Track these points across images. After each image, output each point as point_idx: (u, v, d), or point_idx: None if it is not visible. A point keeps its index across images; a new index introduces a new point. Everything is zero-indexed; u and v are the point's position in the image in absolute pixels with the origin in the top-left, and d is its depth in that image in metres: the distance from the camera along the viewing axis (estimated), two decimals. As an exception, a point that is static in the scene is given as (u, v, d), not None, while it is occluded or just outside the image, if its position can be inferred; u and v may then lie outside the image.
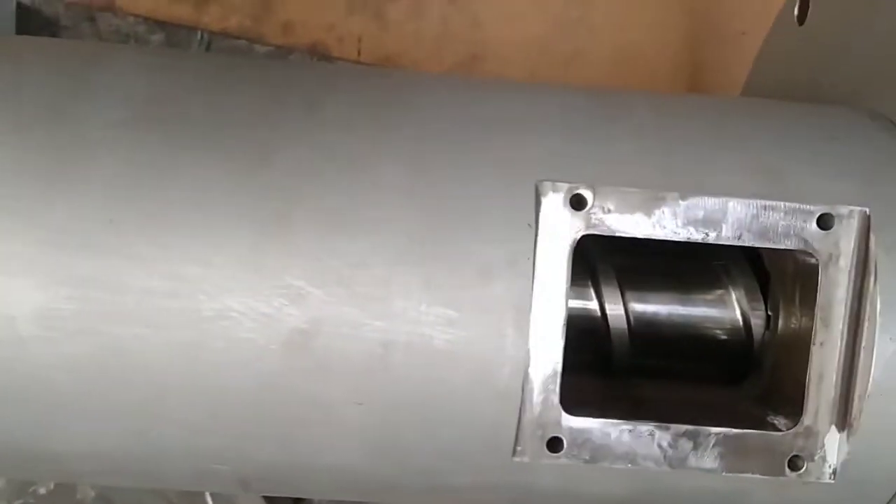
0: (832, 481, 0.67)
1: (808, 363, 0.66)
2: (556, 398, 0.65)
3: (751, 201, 0.65)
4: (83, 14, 1.45)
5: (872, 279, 0.64)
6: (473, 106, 0.69)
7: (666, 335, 0.78)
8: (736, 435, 0.67)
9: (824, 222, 0.65)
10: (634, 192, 0.65)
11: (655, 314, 0.77)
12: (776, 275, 0.74)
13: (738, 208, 0.65)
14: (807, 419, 0.67)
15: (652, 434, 0.67)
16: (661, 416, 0.68)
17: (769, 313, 0.75)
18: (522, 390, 0.64)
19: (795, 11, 0.91)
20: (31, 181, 0.63)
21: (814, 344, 0.66)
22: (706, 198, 0.65)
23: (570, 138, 0.67)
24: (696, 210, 0.65)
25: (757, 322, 0.76)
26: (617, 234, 0.65)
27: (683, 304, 0.78)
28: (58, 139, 0.64)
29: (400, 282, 0.63)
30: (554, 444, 0.66)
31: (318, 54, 1.44)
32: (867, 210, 0.65)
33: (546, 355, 0.65)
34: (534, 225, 0.64)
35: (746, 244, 0.66)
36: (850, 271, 0.65)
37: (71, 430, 0.67)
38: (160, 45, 1.44)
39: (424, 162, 0.66)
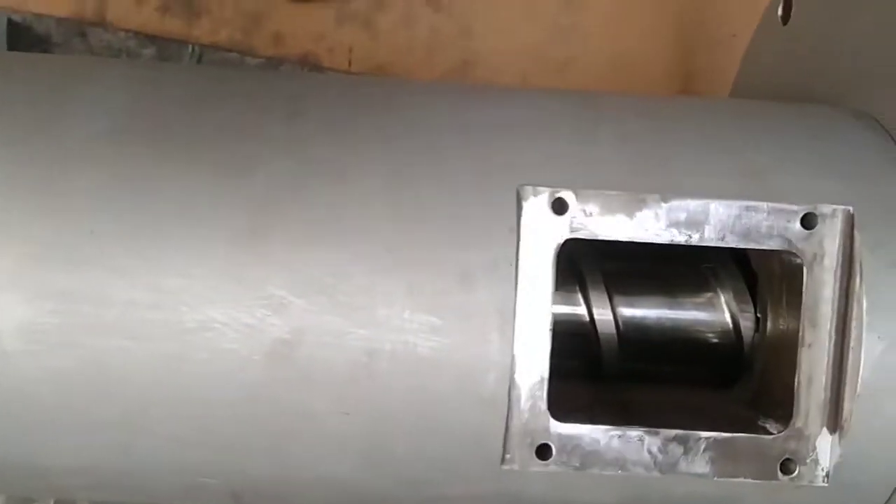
0: (825, 484, 0.66)
1: (796, 365, 0.65)
2: (543, 404, 0.65)
3: (733, 202, 0.65)
4: (74, 30, 1.45)
5: (858, 278, 0.64)
6: (454, 112, 0.69)
7: (655, 339, 0.77)
8: (726, 439, 0.66)
9: (808, 222, 0.65)
10: (616, 194, 0.65)
11: (644, 318, 0.77)
12: (764, 276, 0.74)
13: (721, 209, 0.65)
14: (797, 422, 0.66)
15: (641, 439, 0.66)
16: (651, 421, 0.67)
17: (758, 315, 0.74)
18: (509, 397, 0.64)
19: (779, 11, 0.91)
20: (14, 195, 0.63)
21: (802, 345, 0.65)
22: (688, 200, 0.65)
23: (551, 142, 0.67)
24: (679, 212, 0.65)
25: (746, 325, 0.75)
26: (600, 238, 0.65)
27: (672, 307, 0.77)
28: (39, 153, 0.64)
29: (382, 290, 0.63)
30: (543, 452, 0.66)
31: (309, 65, 1.44)
32: (851, 209, 0.65)
33: (532, 361, 0.64)
34: (515, 230, 0.64)
35: (730, 245, 0.65)
36: (835, 271, 0.65)
37: (58, 444, 0.66)
38: (151, 60, 1.44)
39: (405, 169, 0.65)
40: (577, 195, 0.65)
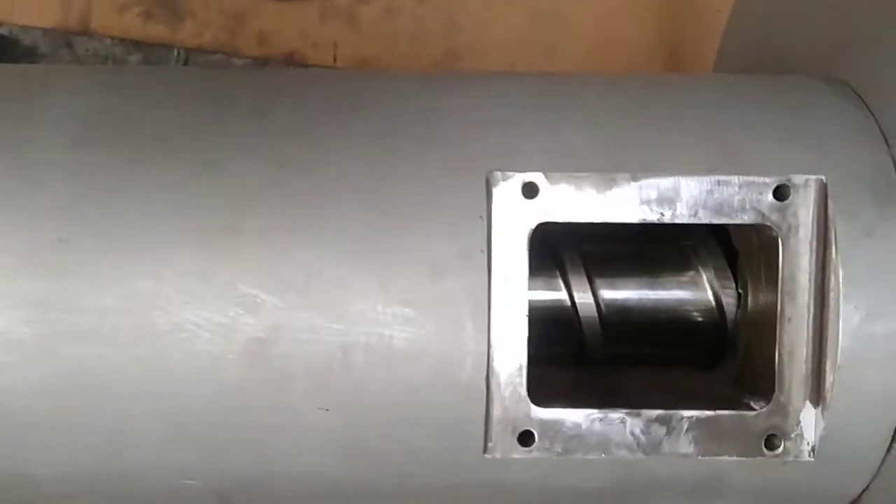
0: (811, 459, 0.66)
1: (776, 339, 0.65)
2: (523, 391, 0.65)
3: (704, 178, 0.64)
4: (61, 40, 1.45)
5: (833, 248, 0.63)
6: (420, 101, 0.68)
7: (638, 321, 0.76)
8: (709, 417, 0.66)
9: (780, 193, 0.64)
10: (586, 176, 0.64)
11: (626, 300, 0.76)
12: (744, 251, 0.73)
13: (692, 185, 0.64)
14: (780, 396, 0.65)
15: (623, 421, 0.66)
16: (636, 403, 0.67)
17: (739, 292, 0.74)
18: (487, 385, 0.64)
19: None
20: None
21: (781, 319, 0.65)
22: (658, 177, 0.64)
23: (518, 127, 0.67)
24: (650, 190, 0.64)
25: (729, 301, 0.74)
26: (572, 221, 0.65)
27: (654, 288, 0.77)
28: (5, 164, 0.64)
29: (354, 284, 0.62)
30: (525, 438, 0.65)
31: (295, 63, 1.44)
32: (824, 178, 0.64)
33: (510, 348, 0.64)
34: (486, 217, 0.63)
35: (703, 221, 0.65)
36: (810, 242, 0.64)
37: (41, 452, 0.66)
38: (141, 65, 1.44)
39: (373, 161, 0.65)
40: (547, 178, 0.65)
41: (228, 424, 0.64)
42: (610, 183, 0.64)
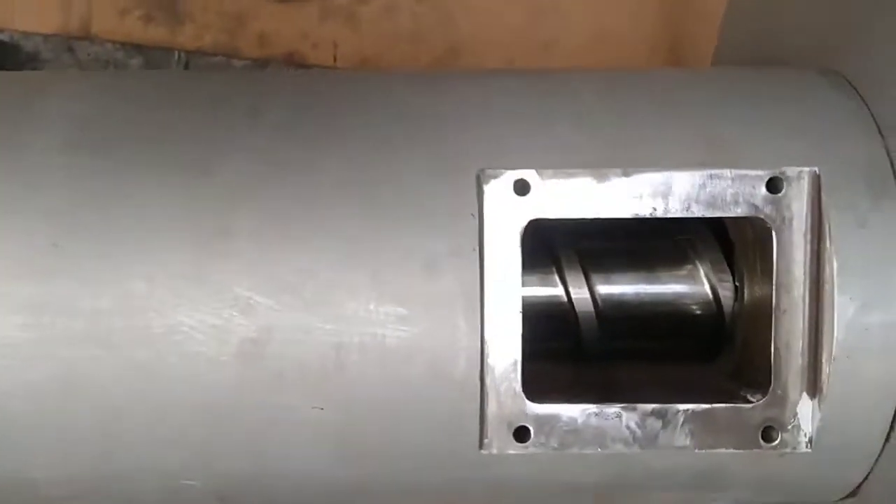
0: (809, 450, 0.65)
1: (772, 331, 0.65)
2: (518, 386, 0.65)
3: (696, 172, 0.64)
4: (62, 45, 1.46)
5: (827, 240, 0.63)
6: (411, 100, 0.68)
7: (636, 315, 0.76)
8: (705, 410, 0.66)
9: (774, 186, 0.64)
10: (578, 172, 0.64)
11: (623, 295, 0.76)
12: (740, 245, 0.73)
13: (684, 179, 0.64)
14: (777, 388, 0.65)
15: (619, 416, 0.66)
16: (632, 397, 0.67)
17: (736, 285, 0.73)
18: (482, 382, 0.64)
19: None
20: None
21: (776, 311, 0.65)
22: (650, 172, 0.64)
23: (509, 124, 0.67)
24: (642, 185, 0.64)
25: (726, 294, 0.74)
26: (564, 217, 0.64)
27: (651, 282, 0.76)
28: (1, 168, 0.65)
29: (347, 284, 0.63)
30: (521, 434, 0.65)
31: (295, 63, 1.44)
32: (817, 170, 0.64)
33: (504, 344, 0.64)
34: (477, 214, 0.63)
35: (695, 215, 0.64)
36: (805, 234, 0.64)
37: (42, 456, 0.67)
38: (139, 69, 1.45)
39: (365, 161, 0.65)
40: (539, 175, 0.65)
41: (224, 425, 0.64)
42: (602, 178, 0.64)
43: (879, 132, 0.67)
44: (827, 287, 0.63)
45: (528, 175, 0.64)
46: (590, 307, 0.75)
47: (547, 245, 0.75)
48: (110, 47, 1.46)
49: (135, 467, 0.66)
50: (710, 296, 0.75)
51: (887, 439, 0.65)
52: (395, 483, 0.68)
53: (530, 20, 1.43)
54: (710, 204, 0.64)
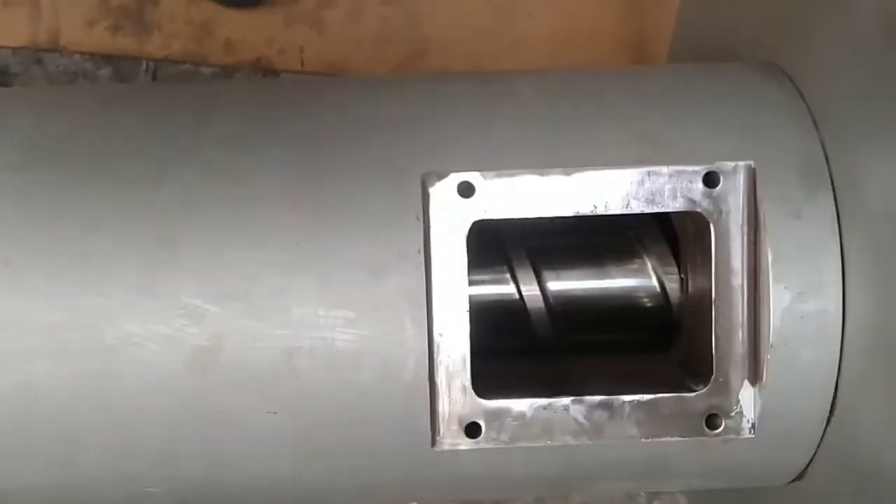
0: (752, 436, 0.67)
1: (713, 321, 0.66)
2: (468, 384, 0.66)
3: (634, 169, 0.65)
4: (31, 58, 1.47)
5: (763, 232, 0.65)
6: (355, 105, 0.70)
7: (587, 310, 0.78)
8: (650, 401, 0.67)
9: (710, 180, 0.66)
10: (520, 172, 0.66)
11: (573, 291, 0.78)
12: (684, 238, 0.74)
13: (623, 177, 0.65)
14: (719, 377, 0.67)
15: (567, 408, 0.67)
16: (583, 390, 0.68)
17: (682, 276, 0.75)
18: (431, 381, 0.65)
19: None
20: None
21: (716, 301, 0.66)
22: (590, 171, 0.66)
23: (453, 127, 0.68)
24: (582, 184, 0.66)
25: (673, 287, 0.76)
26: (509, 217, 0.66)
27: (600, 277, 0.78)
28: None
29: (294, 289, 0.64)
30: (472, 430, 0.67)
31: (263, 69, 1.45)
32: (752, 163, 0.65)
33: (452, 343, 0.65)
34: (422, 217, 0.65)
35: (635, 211, 0.66)
36: (741, 226, 0.65)
37: (6, 467, 0.68)
38: (108, 80, 1.46)
39: (309, 167, 0.66)
40: (483, 176, 0.66)
41: (182, 432, 0.66)
42: (544, 178, 0.66)
43: (815, 125, 0.69)
44: (763, 277, 0.65)
45: (472, 177, 0.66)
46: (541, 303, 0.77)
47: (498, 244, 0.77)
48: (79, 58, 1.47)
49: (96, 477, 0.68)
50: (658, 289, 0.77)
51: (828, 423, 0.67)
52: (352, 483, 0.69)
53: (496, 19, 1.44)
54: (650, 200, 0.66)
